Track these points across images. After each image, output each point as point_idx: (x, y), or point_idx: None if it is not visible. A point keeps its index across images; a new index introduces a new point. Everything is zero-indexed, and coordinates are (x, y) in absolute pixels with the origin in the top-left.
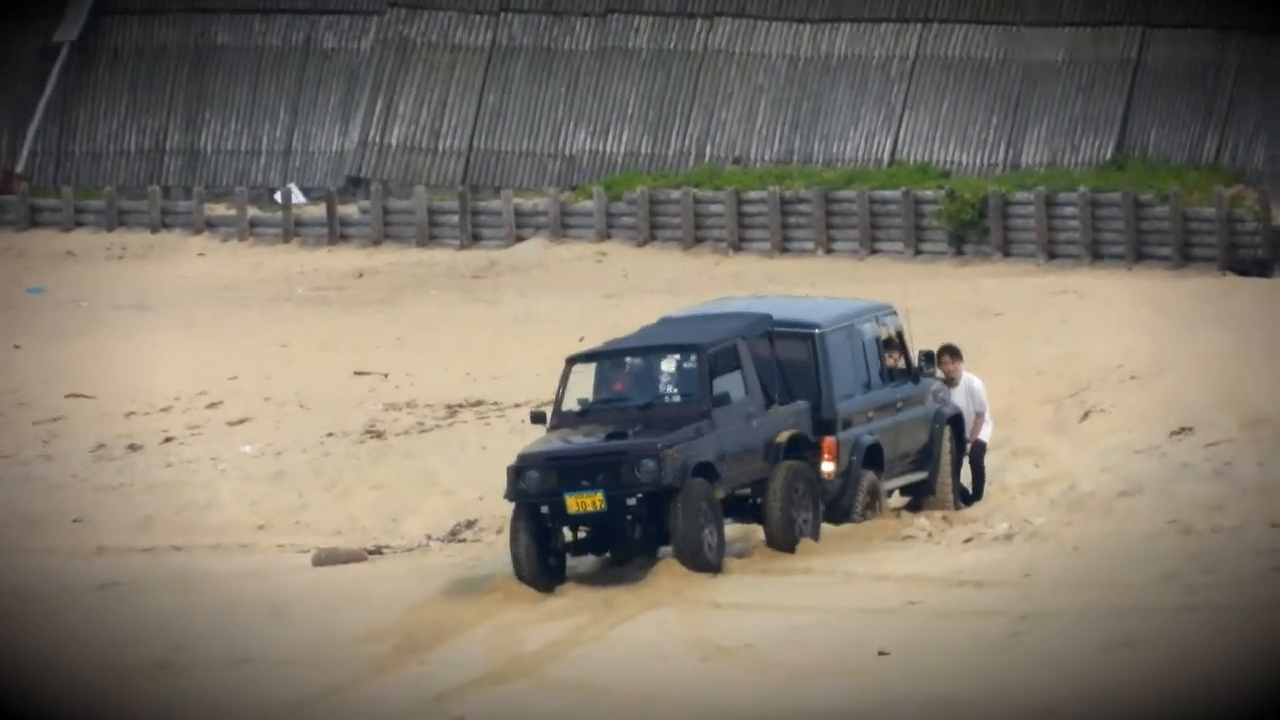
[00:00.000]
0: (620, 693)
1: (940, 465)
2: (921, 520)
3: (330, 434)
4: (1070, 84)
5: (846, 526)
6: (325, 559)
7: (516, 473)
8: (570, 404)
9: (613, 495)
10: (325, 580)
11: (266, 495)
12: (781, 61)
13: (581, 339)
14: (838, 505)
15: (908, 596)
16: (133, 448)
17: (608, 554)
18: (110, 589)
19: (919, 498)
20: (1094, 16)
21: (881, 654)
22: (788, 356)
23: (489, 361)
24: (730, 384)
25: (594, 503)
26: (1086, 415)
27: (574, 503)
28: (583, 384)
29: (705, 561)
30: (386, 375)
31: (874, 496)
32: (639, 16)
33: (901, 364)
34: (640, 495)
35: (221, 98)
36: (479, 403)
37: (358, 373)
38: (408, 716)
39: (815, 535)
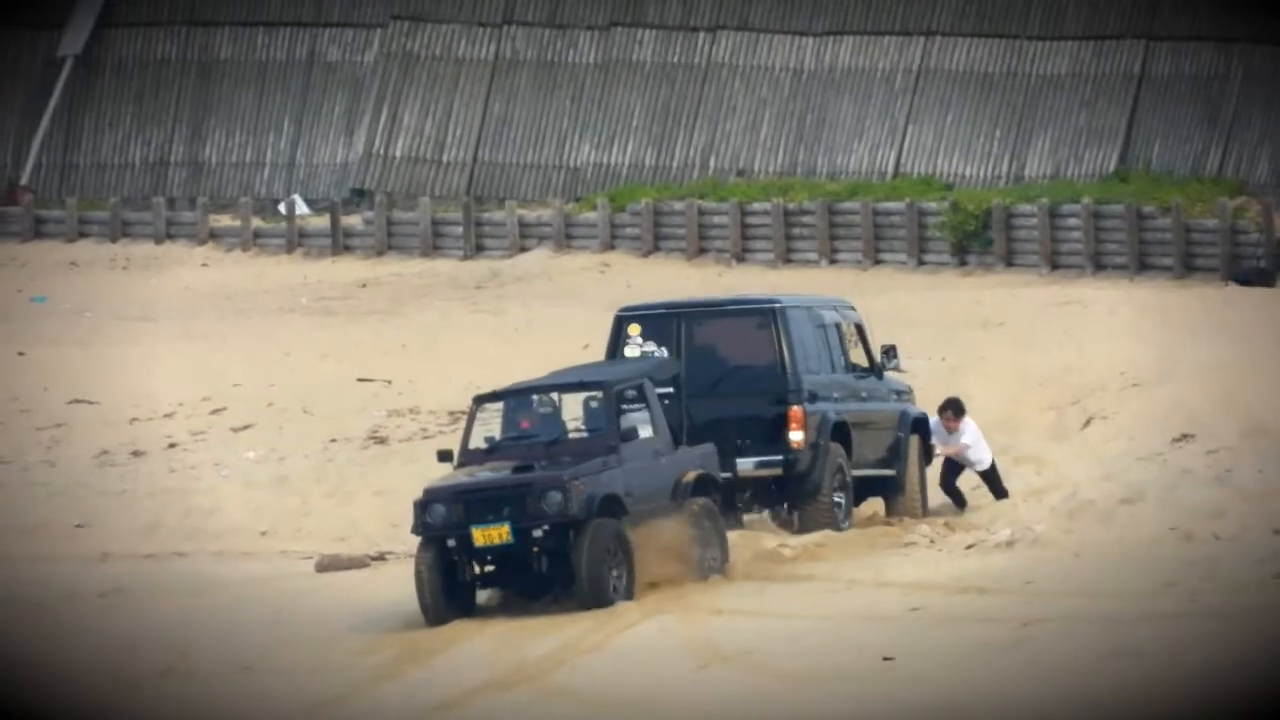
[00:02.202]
0: (622, 700)
1: (908, 464)
2: (924, 527)
3: (333, 440)
4: (1074, 96)
5: (850, 532)
6: (328, 565)
7: (422, 507)
8: (477, 442)
9: (519, 528)
10: (328, 587)
11: (270, 501)
12: (785, 74)
13: (586, 347)
14: (808, 480)
15: (910, 603)
16: (136, 454)
17: (514, 589)
18: (114, 595)
19: (889, 496)
20: (1097, 29)
21: (886, 660)
22: (748, 336)
23: (492, 370)
24: (637, 421)
25: (500, 535)
26: (1088, 423)
27: (481, 535)
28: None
29: (607, 598)
30: (390, 382)
31: (842, 480)
32: (642, 29)
33: (864, 359)
34: (547, 527)
35: (226, 109)
36: None
37: (361, 379)
38: None
39: (720, 570)
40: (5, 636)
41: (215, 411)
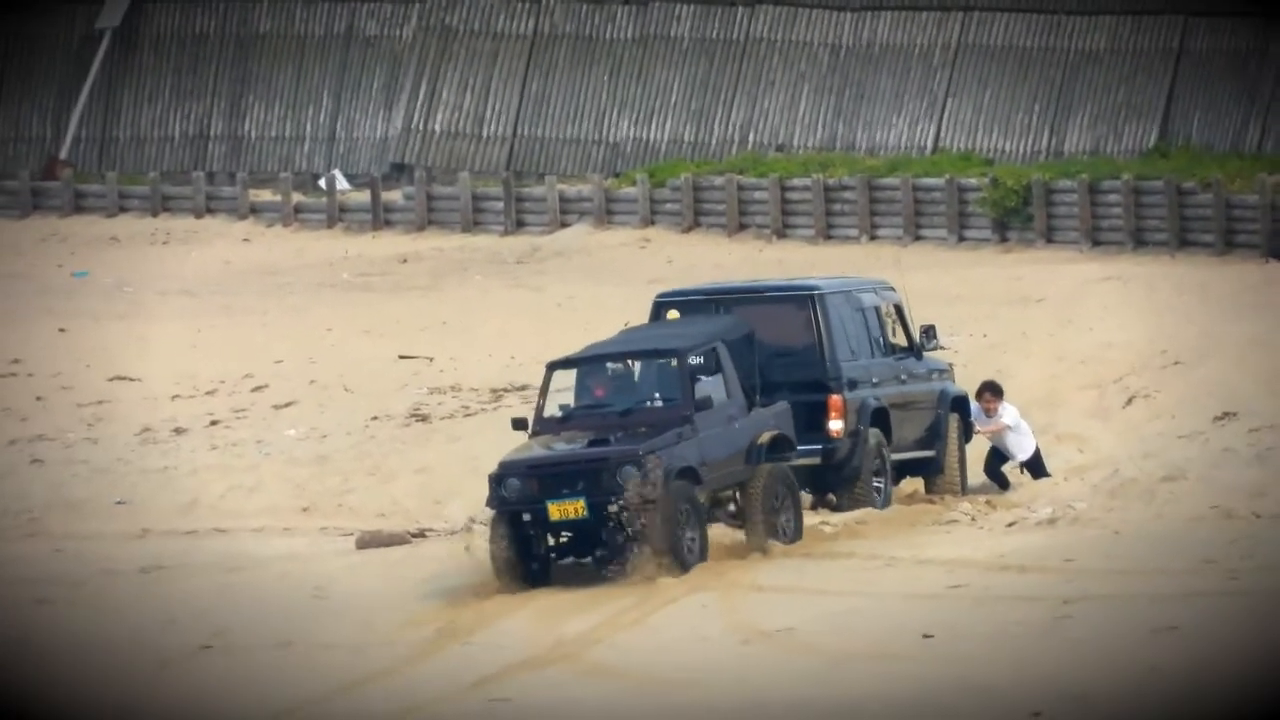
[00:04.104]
0: (661, 677)
1: (948, 443)
2: (965, 504)
3: (375, 417)
4: (1113, 72)
5: (891, 510)
6: (369, 542)
7: (498, 480)
8: (552, 410)
9: (594, 502)
10: (368, 563)
11: (311, 478)
12: (824, 50)
13: (626, 323)
14: (847, 466)
15: (950, 581)
16: (178, 431)
17: (589, 560)
18: (154, 572)
19: (928, 475)
20: (1135, 5)
21: (926, 637)
22: (787, 323)
23: (533, 346)
24: (711, 387)
25: (576, 510)
26: (1129, 401)
27: (556, 510)
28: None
29: (684, 561)
30: (431, 359)
31: (881, 463)
32: (680, 4)
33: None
34: (622, 502)
35: (265, 84)
36: (524, 387)
37: (402, 356)
38: (450, 700)
39: (798, 536)
40: (46, 612)
41: (257, 389)
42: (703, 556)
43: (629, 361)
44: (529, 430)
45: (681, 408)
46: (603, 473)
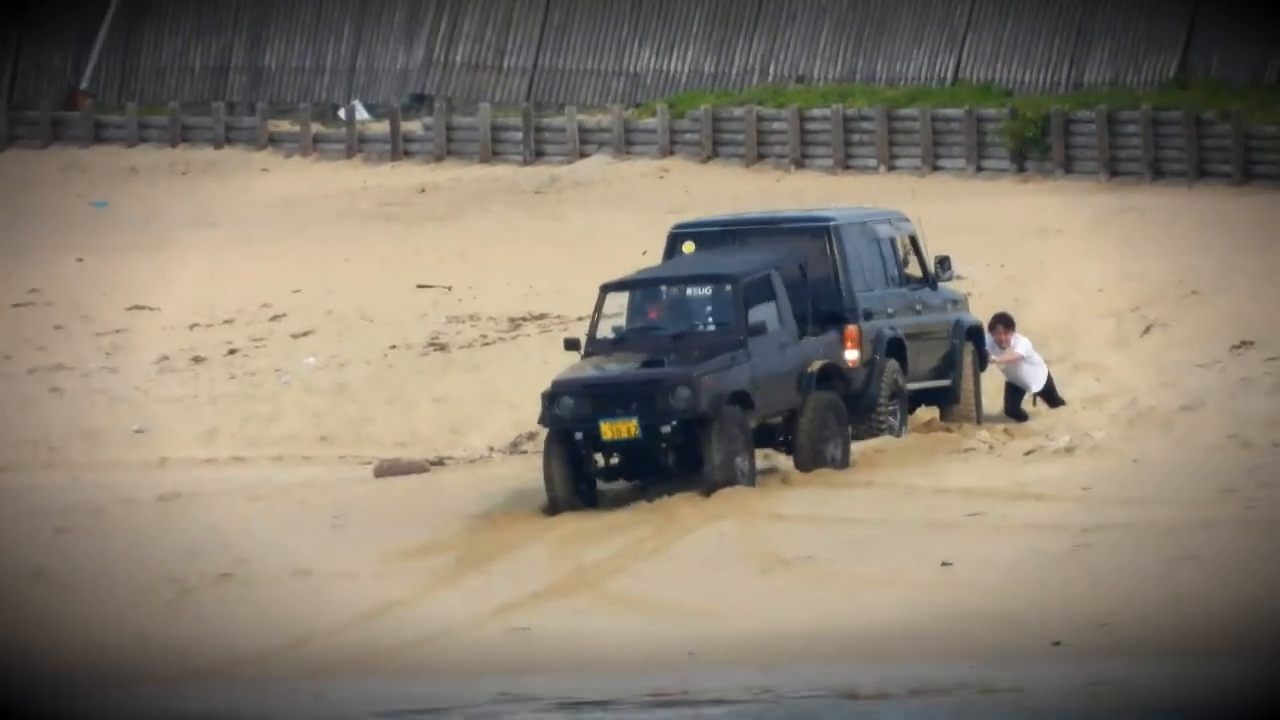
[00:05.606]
0: (680, 605)
1: (963, 372)
2: (983, 433)
3: (393, 346)
4: (1133, 4)
5: (909, 439)
6: (387, 470)
7: (551, 399)
8: (604, 331)
9: (647, 423)
10: (387, 492)
11: (329, 408)
12: None
13: (644, 253)
14: (864, 396)
15: (969, 509)
16: (196, 360)
17: (638, 481)
18: (173, 500)
19: (944, 405)
20: None
21: (945, 565)
22: (803, 253)
23: (551, 276)
24: (764, 314)
25: (628, 430)
26: (1148, 330)
27: (609, 429)
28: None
29: (737, 483)
30: (450, 288)
31: (897, 393)
32: None
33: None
34: (675, 423)
35: (286, 15)
36: (542, 316)
37: (421, 286)
38: (470, 629)
39: (844, 464)
40: (65, 541)
41: (275, 318)
42: (752, 481)
43: (683, 286)
44: (581, 351)
45: (735, 332)
46: (656, 393)
